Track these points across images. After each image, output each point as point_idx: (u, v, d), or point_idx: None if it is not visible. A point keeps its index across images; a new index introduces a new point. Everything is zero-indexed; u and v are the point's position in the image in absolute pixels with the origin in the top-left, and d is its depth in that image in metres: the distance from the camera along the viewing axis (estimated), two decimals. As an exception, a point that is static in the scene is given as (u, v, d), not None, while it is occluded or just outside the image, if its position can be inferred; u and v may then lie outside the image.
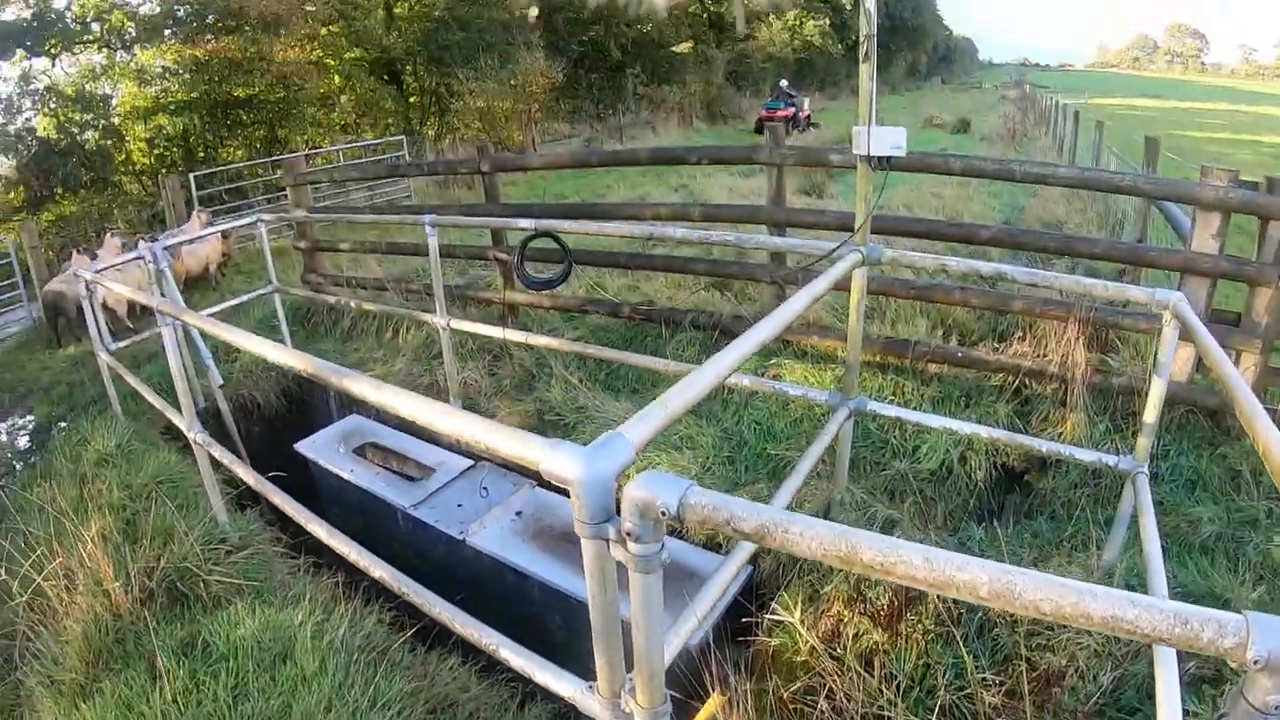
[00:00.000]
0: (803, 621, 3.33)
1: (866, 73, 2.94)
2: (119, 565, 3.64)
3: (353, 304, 6.62)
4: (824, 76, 44.64)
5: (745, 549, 2.66)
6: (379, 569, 2.54)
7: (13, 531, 4.46)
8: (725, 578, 2.50)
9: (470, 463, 5.19)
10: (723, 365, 2.10)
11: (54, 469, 5.28)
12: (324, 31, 22.61)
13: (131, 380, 5.14)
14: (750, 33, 39.96)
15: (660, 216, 5.80)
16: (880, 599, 3.22)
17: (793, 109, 26.69)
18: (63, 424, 6.61)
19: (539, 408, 5.43)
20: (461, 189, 15.51)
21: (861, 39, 2.89)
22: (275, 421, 6.65)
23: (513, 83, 21.34)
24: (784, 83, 29.19)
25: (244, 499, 4.69)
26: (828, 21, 43.59)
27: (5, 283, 11.97)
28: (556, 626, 4.10)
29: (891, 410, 3.77)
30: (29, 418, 7.20)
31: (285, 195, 17.35)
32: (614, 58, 30.92)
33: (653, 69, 32.96)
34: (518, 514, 4.61)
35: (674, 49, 34.37)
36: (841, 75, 45.45)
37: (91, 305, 5.63)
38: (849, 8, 43.26)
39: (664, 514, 1.39)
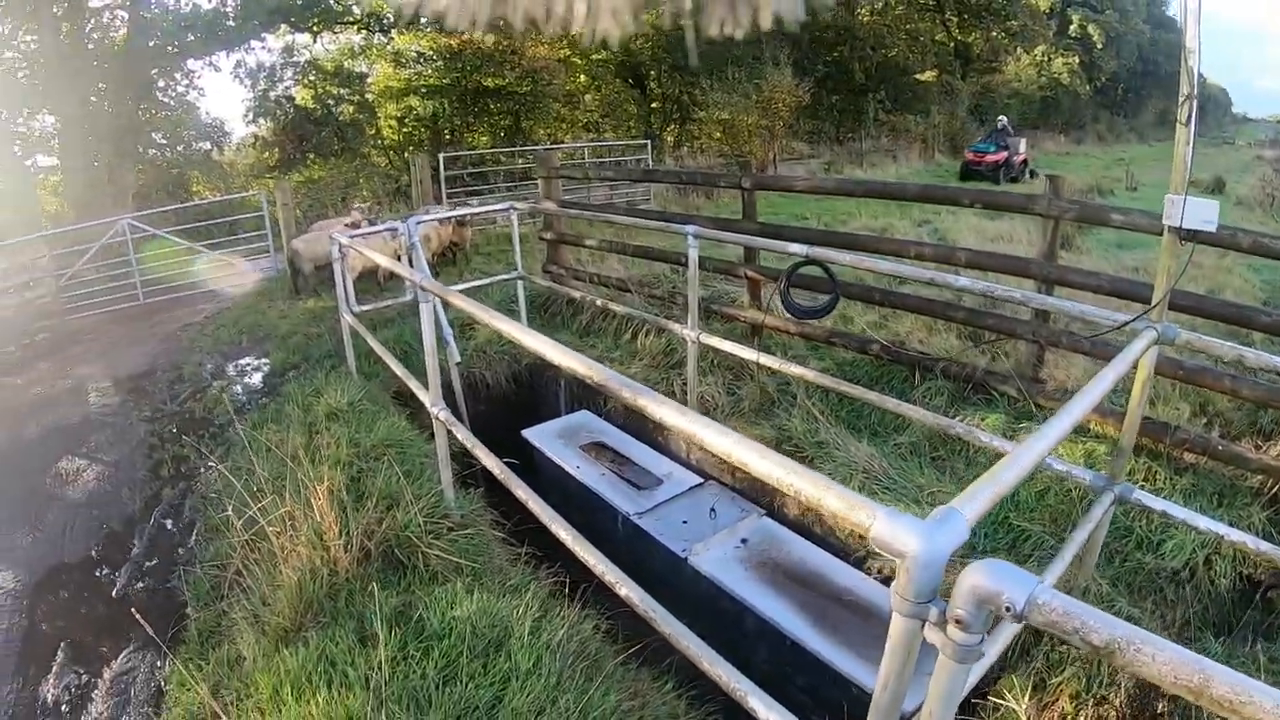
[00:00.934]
0: (1027, 715, 3.14)
1: (1184, 137, 2.71)
2: (343, 522, 3.88)
3: (598, 302, 6.82)
4: (1069, 118, 41.93)
5: (1010, 631, 2.46)
6: (625, 587, 2.56)
7: (241, 469, 4.92)
8: (987, 662, 2.38)
9: (699, 480, 5.18)
10: (1046, 442, 1.97)
11: (285, 415, 5.78)
12: (574, 31, 23.64)
13: (375, 345, 5.53)
14: (996, 66, 38.34)
15: (923, 257, 5.53)
16: (1116, 697, 3.00)
17: (1005, 152, 23.52)
18: (294, 373, 7.26)
19: (777, 435, 5.33)
20: (700, 199, 15.69)
21: (1180, 99, 2.66)
22: (502, 404, 6.98)
23: (756, 98, 21.40)
24: (1002, 121, 25.64)
25: (467, 478, 4.89)
26: (1077, 60, 40.91)
27: (256, 234, 13.63)
28: (761, 660, 4.04)
29: (1159, 503, 3.46)
30: (264, 360, 7.98)
31: (524, 183, 18.90)
32: (857, 80, 30.52)
33: (895, 95, 32.40)
34: (743, 541, 4.54)
35: (917, 76, 33.52)
36: (1087, 118, 43.02)
37: (343, 268, 6.18)
38: (1099, 47, 40.83)
39: (1008, 609, 1.29)
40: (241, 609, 3.83)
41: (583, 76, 25.26)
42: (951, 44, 36.51)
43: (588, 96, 25.98)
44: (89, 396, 8.44)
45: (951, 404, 5.32)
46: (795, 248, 4.75)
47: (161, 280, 13.01)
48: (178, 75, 19.96)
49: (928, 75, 34.27)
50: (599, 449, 5.70)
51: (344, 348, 6.61)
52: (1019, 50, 39.47)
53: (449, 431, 4.07)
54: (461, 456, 4.49)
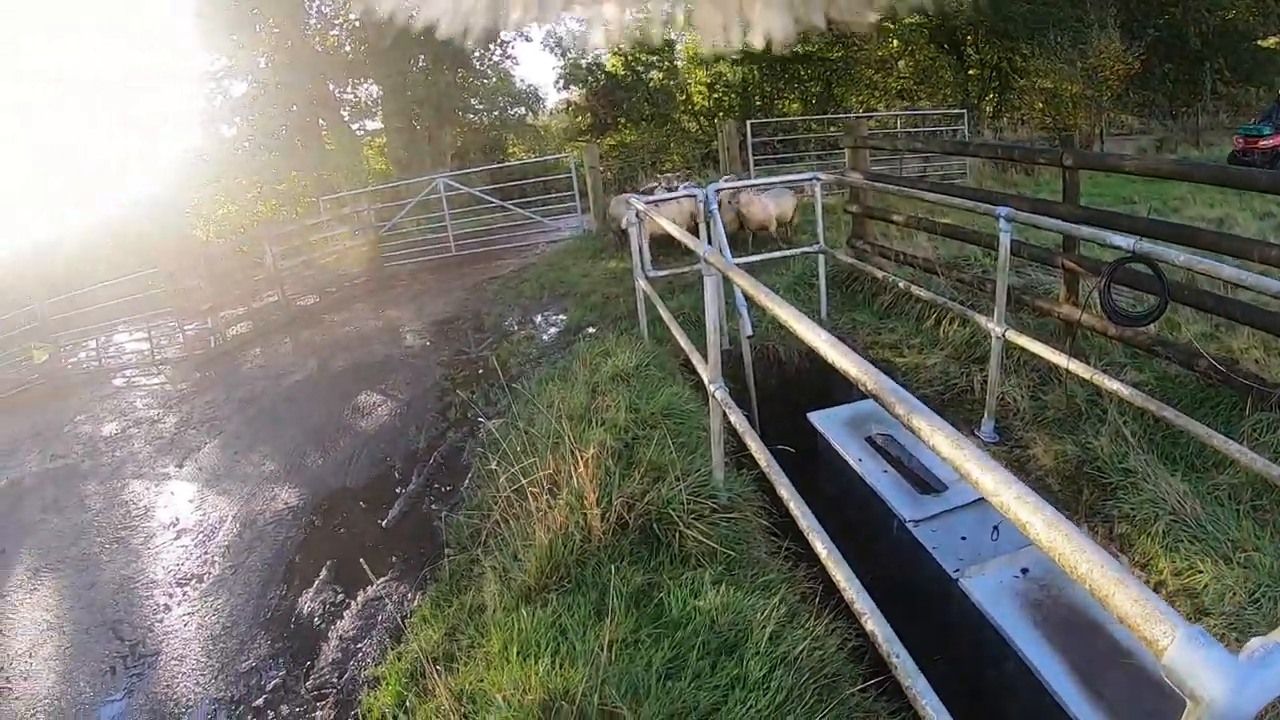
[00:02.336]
0: None
1: None
2: (605, 488, 3.91)
3: (900, 284, 6.54)
4: None
5: None
6: (872, 622, 2.36)
7: (520, 423, 5.18)
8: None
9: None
10: None
11: (572, 373, 6.01)
12: None
13: (663, 312, 5.59)
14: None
15: (1269, 260, 4.59)
16: None
17: None
18: (590, 330, 7.58)
19: (1079, 455, 4.76)
20: (1020, 175, 14.70)
21: None
22: (792, 381, 6.87)
23: (1081, 65, 19.62)
24: None
25: (742, 458, 4.81)
26: None
27: (566, 194, 14.58)
28: (1012, 710, 3.77)
29: None
30: (561, 317, 8.46)
31: (836, 152, 18.72)
32: (1192, 47, 26.48)
33: (1235, 64, 27.83)
34: (1023, 571, 4.14)
35: (1260, 42, 28.29)
36: None
37: (639, 233, 6.32)
38: None
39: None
40: (493, 560, 3.99)
41: (895, 41, 24.67)
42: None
43: (901, 63, 25.34)
44: (394, 337, 9.47)
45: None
46: (1120, 239, 4.16)
47: (473, 235, 14.41)
48: (492, 46, 22.07)
49: (1274, 41, 29.17)
50: (885, 443, 5.44)
51: (638, 310, 6.80)
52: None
53: (724, 413, 3.99)
54: (738, 434, 4.40)
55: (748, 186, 9.87)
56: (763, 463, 3.38)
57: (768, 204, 10.16)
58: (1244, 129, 19.43)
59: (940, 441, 1.78)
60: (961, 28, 24.17)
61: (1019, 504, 1.51)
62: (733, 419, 3.77)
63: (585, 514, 3.81)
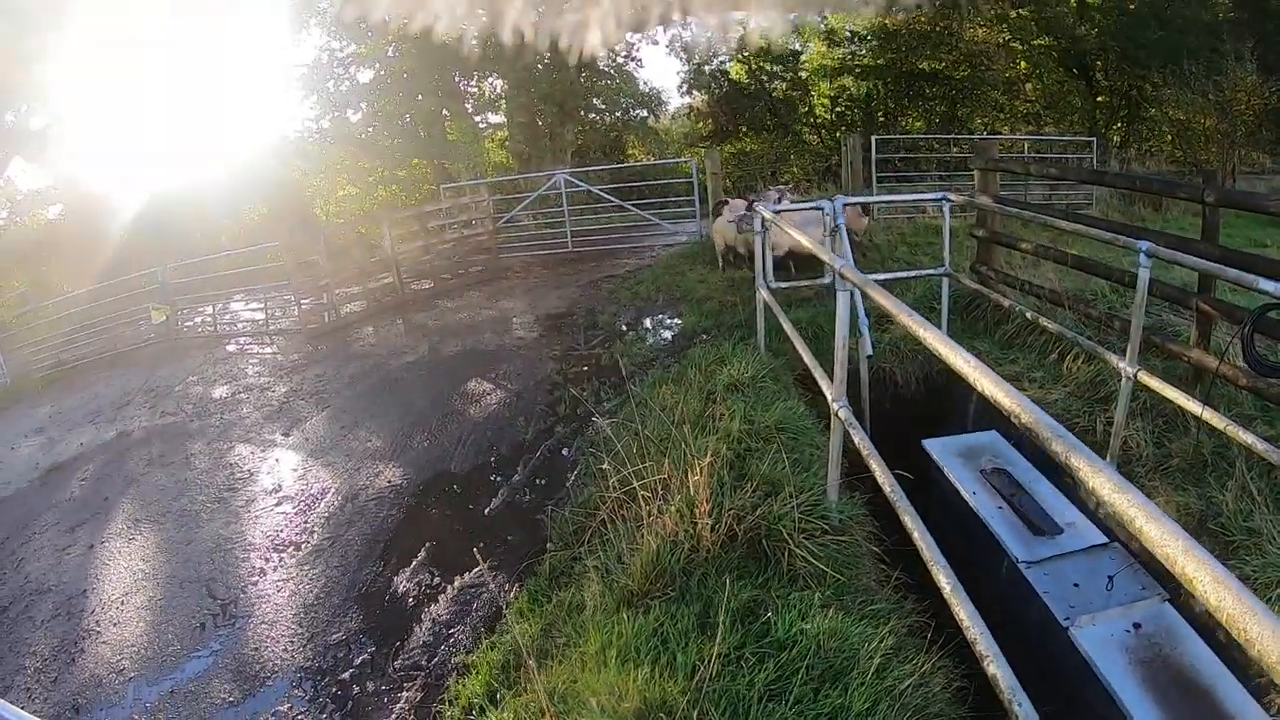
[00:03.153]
0: None
1: None
2: (716, 499, 3.84)
3: (1027, 314, 6.33)
4: None
5: None
6: (995, 666, 2.31)
7: (632, 424, 5.15)
8: None
9: (1104, 539, 4.68)
10: None
11: (686, 378, 5.97)
12: (1014, 14, 22.90)
13: (786, 324, 5.51)
14: None
15: None
16: None
17: None
18: (704, 337, 7.51)
19: (1202, 508, 4.56)
20: (1148, 209, 14.10)
21: None
22: (907, 405, 6.74)
23: (1214, 97, 18.75)
24: None
25: (854, 479, 4.69)
26: None
27: (684, 198, 14.61)
28: None
29: None
30: (676, 320, 8.44)
31: (958, 173, 18.34)
32: None
33: None
34: (1135, 626, 4.02)
35: None
36: None
37: (763, 242, 6.29)
38: None
39: None
40: (596, 560, 3.97)
41: (1023, 63, 23.98)
42: None
43: (1028, 85, 24.66)
44: (507, 328, 9.60)
45: None
46: (1268, 284, 3.97)
47: (590, 233, 14.57)
48: (617, 47, 22.29)
49: None
50: (1001, 477, 5.29)
51: (756, 320, 6.72)
52: None
53: (846, 431, 3.89)
54: (852, 454, 4.30)
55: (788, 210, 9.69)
56: (886, 487, 3.30)
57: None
58: None
59: (1101, 484, 1.70)
60: (1092, 52, 23.48)
61: (1187, 557, 1.43)
62: (856, 439, 3.68)
63: (696, 523, 3.77)
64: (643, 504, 3.97)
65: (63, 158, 23.86)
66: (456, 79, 21.54)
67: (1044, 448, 1.93)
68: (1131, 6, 22.70)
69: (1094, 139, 19.45)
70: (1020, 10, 23.04)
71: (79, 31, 19.41)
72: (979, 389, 2.32)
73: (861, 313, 6.33)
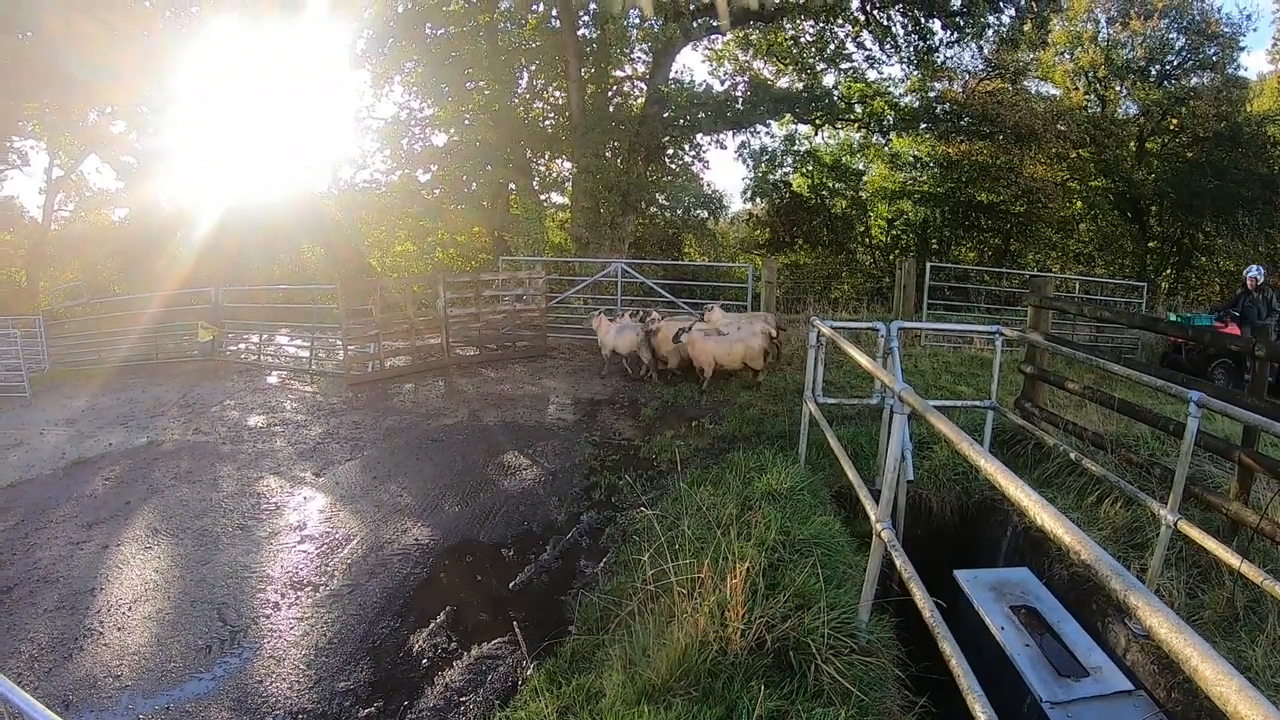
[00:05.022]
0: None
1: None
2: (749, 605, 3.85)
3: (1071, 454, 6.35)
4: None
5: None
6: None
7: (667, 519, 5.18)
8: None
9: (1129, 686, 4.63)
10: None
11: (724, 481, 6.01)
12: (1073, 154, 23.49)
13: (833, 442, 5.56)
14: None
15: None
16: None
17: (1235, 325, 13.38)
18: (743, 443, 7.57)
19: (1233, 661, 4.41)
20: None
21: None
22: (938, 533, 6.73)
23: (1264, 248, 18.97)
24: (1255, 272, 13.58)
25: (883, 601, 4.69)
26: None
27: (736, 302, 14.86)
28: None
29: None
30: (717, 425, 8.50)
31: (1008, 307, 18.41)
32: None
33: None
34: None
35: None
36: None
37: (817, 356, 6.50)
38: None
39: None
40: (620, 649, 3.97)
41: (1079, 203, 24.49)
42: None
43: (1082, 225, 25.15)
44: (548, 406, 9.71)
45: None
46: None
47: (641, 323, 14.74)
48: (686, 146, 23.05)
49: None
50: (1029, 615, 5.28)
51: (798, 432, 6.77)
52: None
53: (887, 552, 3.92)
54: (883, 576, 4.31)
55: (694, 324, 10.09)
56: (926, 613, 3.32)
57: (731, 344, 10.15)
58: (1190, 319, 15.90)
59: (1159, 622, 1.77)
60: (1147, 197, 23.80)
61: (1240, 698, 1.49)
62: (899, 562, 3.72)
63: (727, 625, 3.77)
64: (676, 599, 3.99)
65: (136, 165, 24.68)
66: (528, 155, 22.20)
67: (1102, 584, 1.97)
68: (1189, 154, 23.10)
69: (1144, 284, 19.63)
70: (1081, 151, 23.59)
71: (173, 52, 20.27)
72: (1038, 523, 2.34)
73: (906, 436, 6.40)
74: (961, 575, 5.66)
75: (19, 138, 25.02)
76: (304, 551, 6.04)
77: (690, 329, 9.99)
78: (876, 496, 4.16)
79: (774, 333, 10.51)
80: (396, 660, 4.71)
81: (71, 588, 5.65)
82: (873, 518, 4.04)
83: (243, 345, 15.13)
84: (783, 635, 3.81)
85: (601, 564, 5.65)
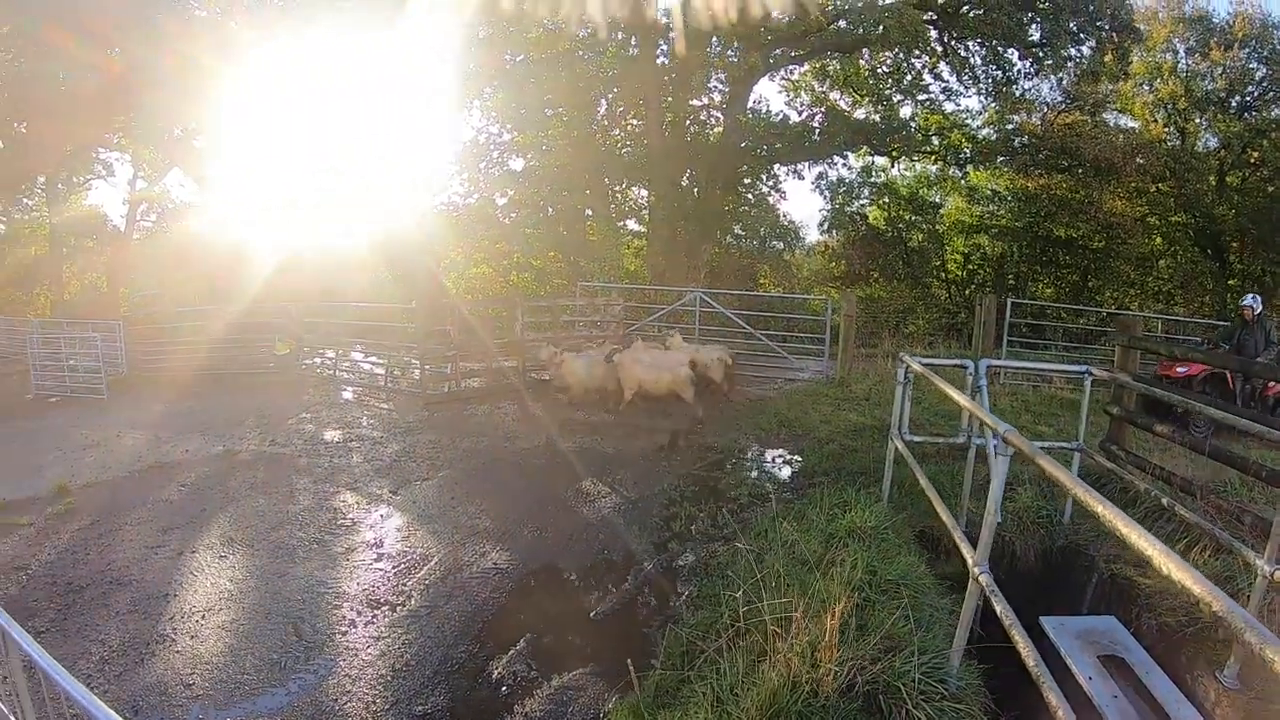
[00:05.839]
0: None
1: None
2: (842, 647, 3.75)
3: (1163, 500, 6.10)
4: None
5: None
6: None
7: (753, 553, 5.09)
8: None
9: None
10: None
11: (807, 518, 5.89)
12: (1153, 188, 22.93)
13: (923, 481, 5.43)
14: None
15: None
16: None
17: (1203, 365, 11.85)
18: (824, 479, 7.44)
19: None
20: None
21: None
22: (1021, 578, 6.53)
23: None
24: (1250, 301, 12.52)
25: (970, 645, 4.57)
26: None
27: (811, 335, 14.72)
28: None
29: None
30: (796, 458, 8.38)
31: (1085, 345, 17.93)
32: None
33: None
34: None
35: None
36: None
37: (904, 393, 6.41)
38: None
39: None
40: (707, 686, 3.89)
41: (1158, 239, 23.90)
42: None
43: (1161, 262, 24.44)
44: (626, 434, 9.75)
45: None
46: None
47: (716, 354, 14.72)
48: (763, 176, 23.09)
49: None
50: (1117, 665, 5.07)
51: (883, 469, 6.64)
52: None
53: (985, 598, 3.78)
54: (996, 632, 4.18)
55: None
56: (1030, 662, 3.21)
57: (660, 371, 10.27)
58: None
59: None
60: (1228, 233, 23.07)
61: None
62: (998, 608, 3.59)
63: (819, 666, 3.68)
64: (766, 638, 3.90)
65: (220, 180, 25.38)
66: (606, 181, 22.36)
67: (1235, 637, 1.88)
68: (1270, 189, 22.53)
69: (1225, 323, 19.15)
70: (1160, 185, 23.03)
71: (258, 68, 20.80)
72: (1163, 570, 2.27)
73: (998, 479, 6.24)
74: (1047, 622, 5.47)
75: (105, 149, 25.98)
76: (380, 570, 6.06)
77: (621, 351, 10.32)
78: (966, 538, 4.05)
79: (714, 364, 10.96)
80: (475, 686, 4.69)
81: (145, 591, 5.73)
82: (969, 561, 3.92)
83: (319, 360, 15.42)
84: (873, 678, 3.72)
85: (685, 596, 5.58)
